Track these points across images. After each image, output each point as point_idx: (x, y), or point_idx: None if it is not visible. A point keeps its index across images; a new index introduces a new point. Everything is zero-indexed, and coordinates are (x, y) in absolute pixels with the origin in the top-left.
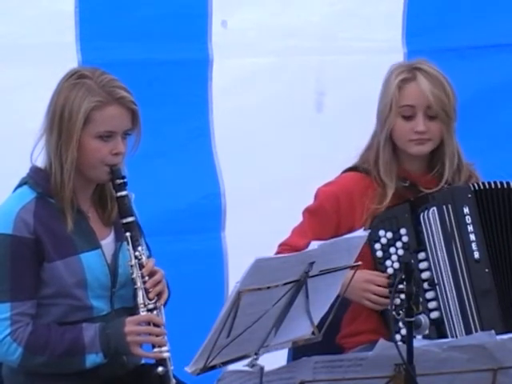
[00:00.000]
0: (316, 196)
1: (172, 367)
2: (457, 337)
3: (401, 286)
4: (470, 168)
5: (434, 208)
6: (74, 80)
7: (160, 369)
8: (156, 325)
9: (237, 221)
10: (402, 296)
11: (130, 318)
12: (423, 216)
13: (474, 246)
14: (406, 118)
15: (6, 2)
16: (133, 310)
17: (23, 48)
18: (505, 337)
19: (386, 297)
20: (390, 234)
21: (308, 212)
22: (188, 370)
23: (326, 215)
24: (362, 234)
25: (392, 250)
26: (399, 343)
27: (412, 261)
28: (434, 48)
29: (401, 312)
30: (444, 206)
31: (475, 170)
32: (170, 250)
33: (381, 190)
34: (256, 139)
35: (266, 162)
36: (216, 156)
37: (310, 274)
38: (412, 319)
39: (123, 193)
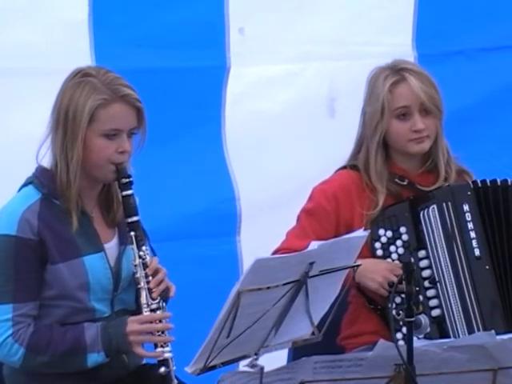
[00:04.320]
0: (312, 196)
1: (174, 367)
2: (458, 334)
3: (401, 286)
4: (456, 161)
5: (434, 206)
6: (78, 79)
7: (162, 369)
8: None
9: (252, 226)
10: (402, 295)
11: (132, 318)
12: (423, 214)
13: (474, 243)
14: (401, 119)
15: (19, 11)
16: (133, 312)
17: (38, 56)
18: (505, 337)
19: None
20: (389, 233)
21: (305, 212)
22: (188, 370)
23: (326, 214)
24: (362, 234)
25: (392, 248)
26: (400, 343)
27: (412, 259)
28: (444, 51)
29: (401, 312)
30: (444, 204)
31: (462, 163)
32: (185, 254)
33: (372, 196)
34: (270, 145)
35: (281, 167)
36: (229, 162)
37: (310, 274)
38: (412, 319)
39: (129, 192)
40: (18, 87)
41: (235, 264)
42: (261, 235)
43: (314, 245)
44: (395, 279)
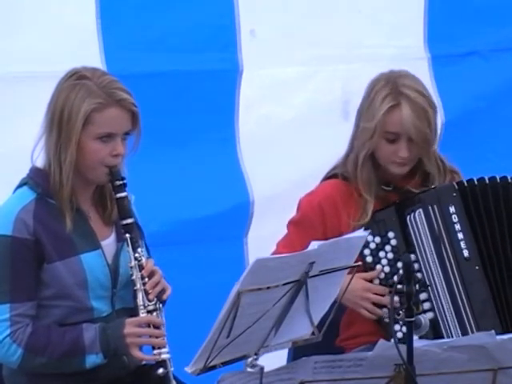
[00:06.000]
0: (299, 207)
1: (172, 368)
2: (452, 336)
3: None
4: (447, 163)
5: (420, 210)
6: (73, 81)
7: (160, 370)
8: (156, 326)
9: (261, 227)
10: (399, 297)
11: (129, 320)
12: (410, 218)
13: (462, 244)
14: (389, 141)
15: (28, 17)
16: (133, 311)
17: (47, 61)
18: (505, 337)
19: (382, 306)
20: (378, 239)
21: (293, 224)
22: (188, 370)
23: (312, 225)
24: (362, 234)
25: (381, 254)
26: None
27: (400, 265)
28: (458, 52)
29: (401, 312)
30: (430, 207)
31: (452, 163)
32: (199, 256)
33: (362, 204)
34: (284, 148)
35: (295, 171)
36: (243, 165)
37: (310, 274)
38: (412, 319)
39: (123, 194)
40: (27, 92)
41: (242, 264)
42: (270, 240)
43: (314, 245)
44: (373, 298)
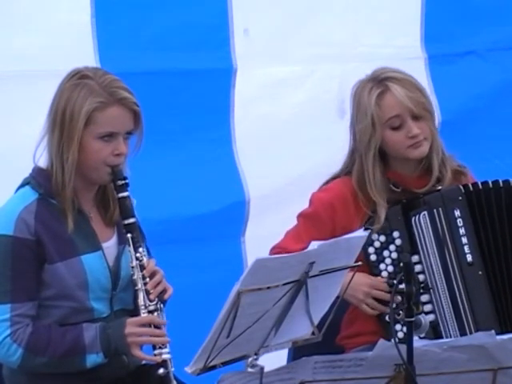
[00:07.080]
0: (311, 202)
1: (173, 368)
2: None
3: (400, 287)
4: (453, 160)
5: (425, 212)
6: (75, 80)
7: (161, 370)
8: (157, 326)
9: (258, 225)
10: (400, 297)
11: (130, 320)
12: (415, 220)
13: (466, 248)
14: (395, 128)
15: (23, 15)
16: (132, 312)
17: (42, 60)
18: (505, 337)
19: (385, 303)
20: (383, 238)
21: (303, 217)
22: (188, 370)
23: (321, 221)
24: (361, 234)
25: (386, 253)
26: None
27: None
28: (455, 52)
29: (401, 312)
30: (435, 210)
31: (459, 162)
32: (196, 255)
33: (370, 213)
34: (280, 148)
35: (291, 170)
36: (239, 164)
37: (310, 274)
38: (412, 319)
39: (125, 194)
40: (22, 90)
41: (240, 263)
42: (268, 238)
43: (314, 245)
44: (377, 293)
